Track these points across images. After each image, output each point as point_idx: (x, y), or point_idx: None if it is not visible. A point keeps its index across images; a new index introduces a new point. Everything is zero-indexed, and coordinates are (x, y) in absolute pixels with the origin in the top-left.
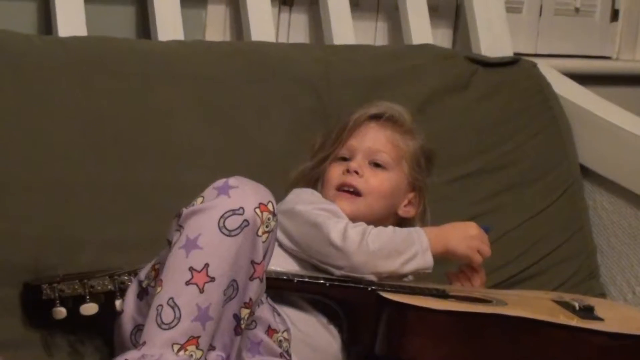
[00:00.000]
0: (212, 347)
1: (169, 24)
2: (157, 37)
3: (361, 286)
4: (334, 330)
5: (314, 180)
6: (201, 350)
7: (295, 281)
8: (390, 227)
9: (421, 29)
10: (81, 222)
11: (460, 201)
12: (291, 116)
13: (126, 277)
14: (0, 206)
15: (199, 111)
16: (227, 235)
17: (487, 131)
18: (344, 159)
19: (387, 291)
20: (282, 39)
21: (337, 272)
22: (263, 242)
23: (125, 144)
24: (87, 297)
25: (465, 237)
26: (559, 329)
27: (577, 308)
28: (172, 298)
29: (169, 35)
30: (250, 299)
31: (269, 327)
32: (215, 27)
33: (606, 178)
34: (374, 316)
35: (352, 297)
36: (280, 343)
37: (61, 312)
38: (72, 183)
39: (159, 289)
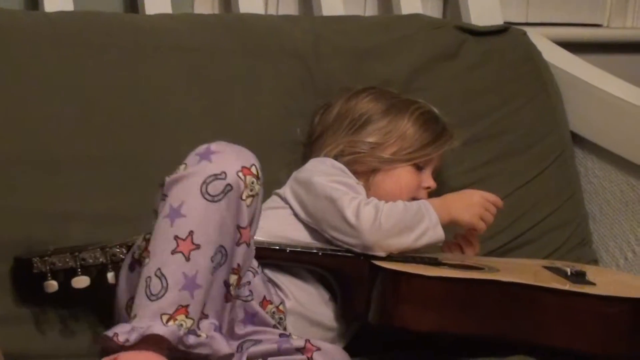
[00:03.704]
0: (204, 316)
1: None
2: (145, 11)
3: (353, 255)
4: (334, 305)
5: (352, 156)
6: (191, 319)
7: (288, 251)
8: (401, 203)
9: None
10: (72, 196)
11: (451, 170)
12: (280, 88)
13: (117, 250)
14: None
15: (188, 84)
16: (210, 201)
17: (477, 100)
18: (418, 167)
19: (380, 259)
20: (271, 11)
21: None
22: (248, 206)
23: (114, 117)
24: (79, 269)
25: (468, 204)
26: (551, 294)
27: (569, 273)
28: (159, 269)
29: (157, 9)
30: (239, 265)
31: (264, 298)
32: None
33: (597, 145)
34: (366, 285)
35: (344, 266)
36: (273, 314)
37: (53, 285)
38: (62, 157)
39: (147, 260)
